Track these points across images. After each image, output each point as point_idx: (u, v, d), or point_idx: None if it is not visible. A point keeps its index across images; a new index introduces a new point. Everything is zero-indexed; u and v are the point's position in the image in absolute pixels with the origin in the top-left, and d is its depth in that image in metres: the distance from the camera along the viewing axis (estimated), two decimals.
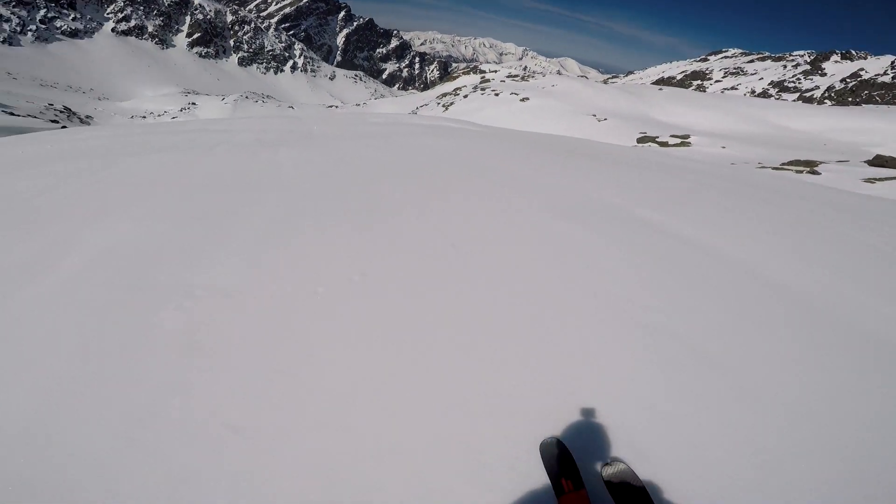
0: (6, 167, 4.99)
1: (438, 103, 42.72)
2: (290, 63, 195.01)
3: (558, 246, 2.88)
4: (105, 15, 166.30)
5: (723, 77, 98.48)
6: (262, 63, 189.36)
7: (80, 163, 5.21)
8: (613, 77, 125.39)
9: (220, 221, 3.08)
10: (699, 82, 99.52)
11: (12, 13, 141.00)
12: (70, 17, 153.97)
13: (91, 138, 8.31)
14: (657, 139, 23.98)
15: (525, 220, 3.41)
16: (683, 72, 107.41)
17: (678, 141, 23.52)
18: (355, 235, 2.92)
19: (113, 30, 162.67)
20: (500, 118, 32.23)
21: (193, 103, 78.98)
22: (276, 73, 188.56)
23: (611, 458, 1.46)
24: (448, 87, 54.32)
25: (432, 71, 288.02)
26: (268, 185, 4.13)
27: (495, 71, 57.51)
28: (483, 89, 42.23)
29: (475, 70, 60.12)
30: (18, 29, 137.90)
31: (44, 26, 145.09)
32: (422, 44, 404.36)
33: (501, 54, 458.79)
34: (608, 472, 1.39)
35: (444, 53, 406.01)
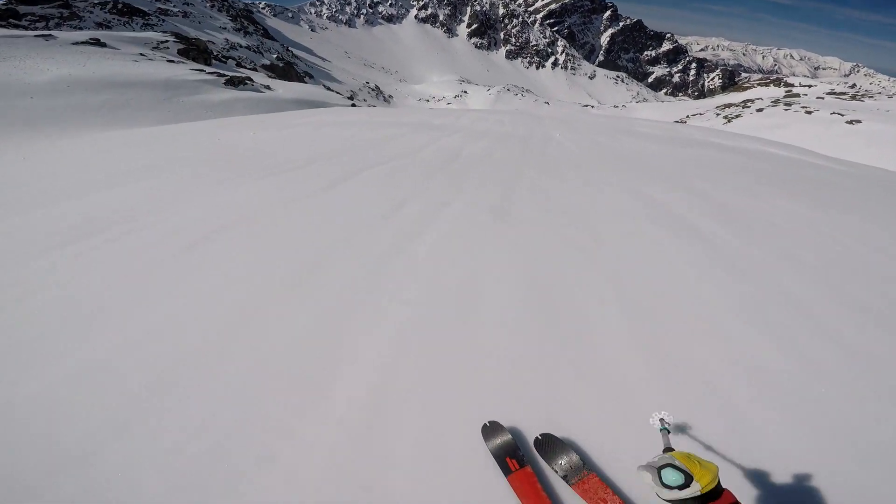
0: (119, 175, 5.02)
1: (718, 114, 36.61)
2: (552, 59, 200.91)
3: None
4: (410, 2, 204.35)
5: None
6: (525, 57, 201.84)
7: (174, 178, 4.88)
8: None
9: None
10: None
11: None
12: (388, 3, 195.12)
13: (296, 127, 8.85)
14: None
15: None
16: None
17: None
18: None
19: (416, 16, 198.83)
20: (808, 141, 25.19)
21: (465, 91, 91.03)
22: (537, 68, 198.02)
23: (542, 433, 1.61)
24: (734, 97, 45.75)
25: (713, 79, 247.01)
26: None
27: (809, 86, 44.90)
28: (788, 104, 33.81)
29: (778, 82, 48.42)
30: (355, 12, 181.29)
31: (371, 10, 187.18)
32: (701, 49, 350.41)
33: (817, 68, 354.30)
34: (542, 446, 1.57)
35: (732, 62, 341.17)
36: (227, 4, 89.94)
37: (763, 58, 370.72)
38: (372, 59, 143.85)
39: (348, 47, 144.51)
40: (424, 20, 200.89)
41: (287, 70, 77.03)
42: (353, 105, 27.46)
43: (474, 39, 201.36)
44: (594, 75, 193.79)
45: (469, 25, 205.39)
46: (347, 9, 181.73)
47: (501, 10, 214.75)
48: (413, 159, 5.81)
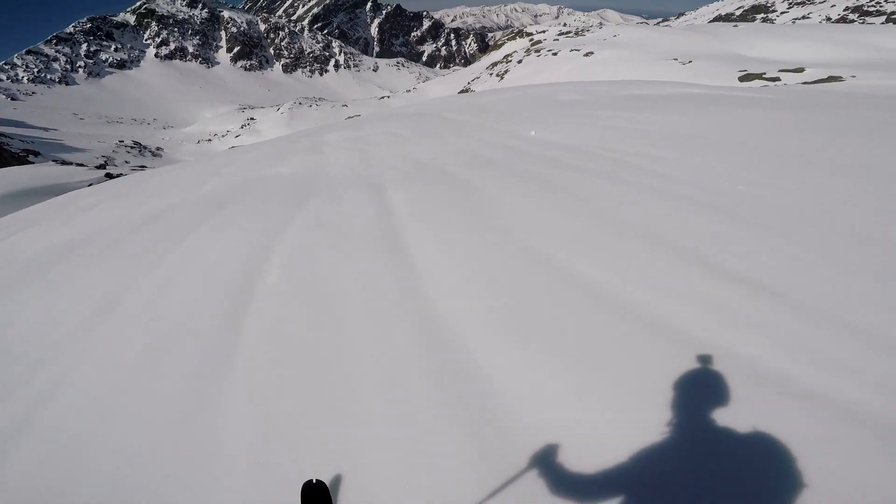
0: None
1: (491, 73, 40.81)
2: (332, 62, 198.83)
3: None
4: (144, 41, 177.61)
5: (789, 8, 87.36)
6: (305, 67, 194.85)
7: None
8: (664, 22, 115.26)
9: None
10: (763, 16, 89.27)
11: (56, 51, 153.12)
12: (112, 49, 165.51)
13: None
14: (764, 75, 20.77)
15: None
16: (741, 7, 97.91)
17: (792, 75, 20.23)
18: None
19: (156, 55, 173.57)
20: (565, 78, 29.88)
21: (252, 118, 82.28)
22: (320, 74, 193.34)
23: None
24: (496, 55, 51.84)
25: (469, 45, 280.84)
26: None
27: (544, 31, 53.83)
28: (538, 51, 39.59)
29: (521, 34, 56.75)
30: (69, 67, 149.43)
31: (91, 61, 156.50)
32: (453, 20, 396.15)
33: (536, 16, 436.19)
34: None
35: (477, 25, 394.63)
36: None
37: (497, 16, 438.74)
38: (116, 114, 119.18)
39: (76, 108, 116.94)
40: (169, 56, 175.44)
41: None
42: (108, 175, 20.85)
43: (241, 62, 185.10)
44: (377, 67, 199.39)
45: (230, 49, 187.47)
46: (55, 65, 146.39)
47: (263, 27, 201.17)
48: None
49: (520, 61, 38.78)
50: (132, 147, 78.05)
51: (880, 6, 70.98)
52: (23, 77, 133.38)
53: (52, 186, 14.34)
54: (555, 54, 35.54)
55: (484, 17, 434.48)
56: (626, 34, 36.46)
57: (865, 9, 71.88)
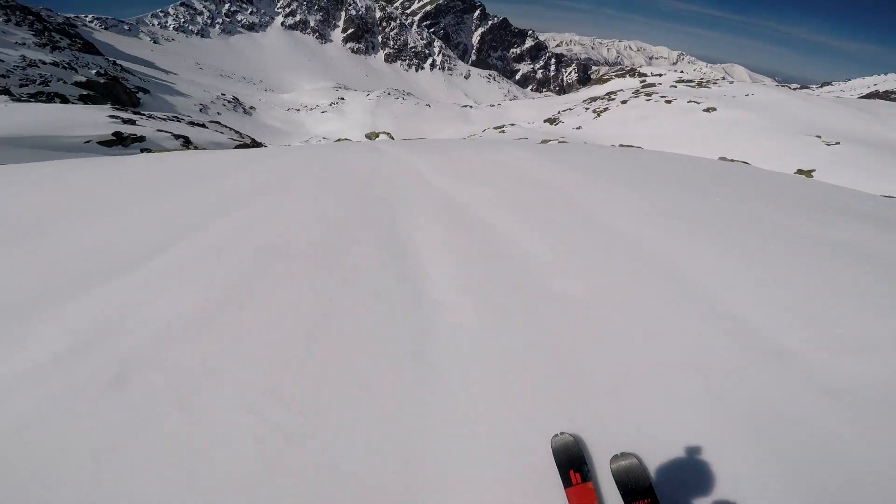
0: None
1: (587, 108, 36.60)
2: (430, 61, 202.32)
3: None
4: (276, 9, 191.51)
5: None
6: (405, 60, 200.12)
7: None
8: (803, 88, 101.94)
9: None
10: None
11: (204, 7, 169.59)
12: (248, 11, 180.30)
13: None
14: None
15: None
16: None
17: None
18: None
19: (282, 24, 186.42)
20: (674, 132, 25.13)
21: (342, 98, 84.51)
22: (416, 70, 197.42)
23: (622, 451, 1.51)
24: (598, 90, 47.35)
25: (569, 73, 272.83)
26: None
27: (660, 74, 48.44)
28: (648, 95, 34.82)
29: (633, 72, 51.71)
30: (209, 22, 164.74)
31: (228, 19, 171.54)
32: (557, 45, 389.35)
33: (651, 58, 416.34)
34: (616, 465, 1.47)
35: (583, 56, 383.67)
36: (32, 19, 71.80)
37: (608, 50, 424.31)
38: (230, 70, 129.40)
39: (201, 58, 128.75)
40: (293, 27, 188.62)
41: (111, 86, 63.46)
42: (118, 136, 18.43)
43: (350, 44, 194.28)
44: (469, 75, 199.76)
45: (344, 30, 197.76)
46: (199, 19, 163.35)
47: (378, 14, 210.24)
48: None
49: (624, 101, 34.25)
50: (229, 101, 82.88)
51: None
52: (170, 25, 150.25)
53: (40, 138, 12.13)
54: (668, 102, 30.70)
55: (593, 48, 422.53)
56: (760, 95, 30.71)
57: None
